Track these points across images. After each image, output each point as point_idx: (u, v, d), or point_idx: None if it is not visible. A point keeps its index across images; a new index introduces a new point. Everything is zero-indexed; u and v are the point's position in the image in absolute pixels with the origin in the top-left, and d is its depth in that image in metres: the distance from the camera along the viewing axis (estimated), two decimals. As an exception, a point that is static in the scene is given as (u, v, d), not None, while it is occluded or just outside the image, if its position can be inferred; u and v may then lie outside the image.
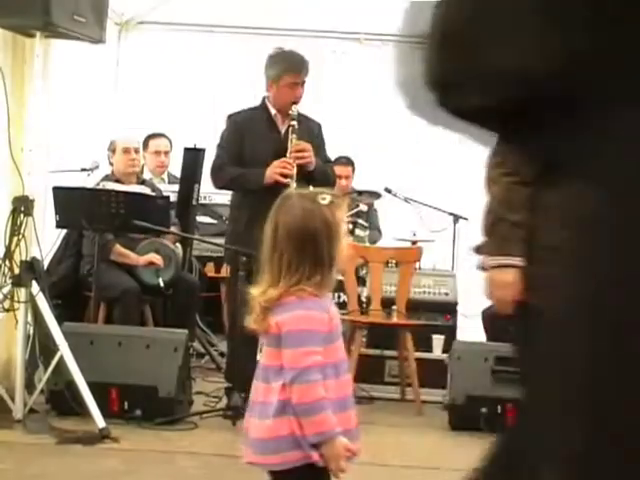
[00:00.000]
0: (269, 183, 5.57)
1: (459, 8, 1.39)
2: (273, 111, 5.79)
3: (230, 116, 5.88)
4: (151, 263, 6.51)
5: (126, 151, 6.77)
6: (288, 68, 5.68)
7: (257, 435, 2.61)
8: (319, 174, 5.74)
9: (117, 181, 6.64)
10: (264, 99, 5.84)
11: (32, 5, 5.01)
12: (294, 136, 5.63)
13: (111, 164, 6.84)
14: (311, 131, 5.85)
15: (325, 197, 2.66)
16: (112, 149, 6.81)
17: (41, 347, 5.33)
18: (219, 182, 5.88)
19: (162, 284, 6.47)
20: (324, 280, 2.63)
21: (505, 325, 7.23)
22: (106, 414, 5.07)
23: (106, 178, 6.75)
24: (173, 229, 6.60)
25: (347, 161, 8.44)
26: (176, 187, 7.30)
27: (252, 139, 5.76)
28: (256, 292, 2.64)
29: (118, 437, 4.99)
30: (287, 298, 2.60)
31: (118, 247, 6.50)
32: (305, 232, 2.61)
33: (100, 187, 6.52)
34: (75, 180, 7.00)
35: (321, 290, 2.63)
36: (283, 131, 5.76)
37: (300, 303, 2.60)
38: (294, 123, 5.65)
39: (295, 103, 5.67)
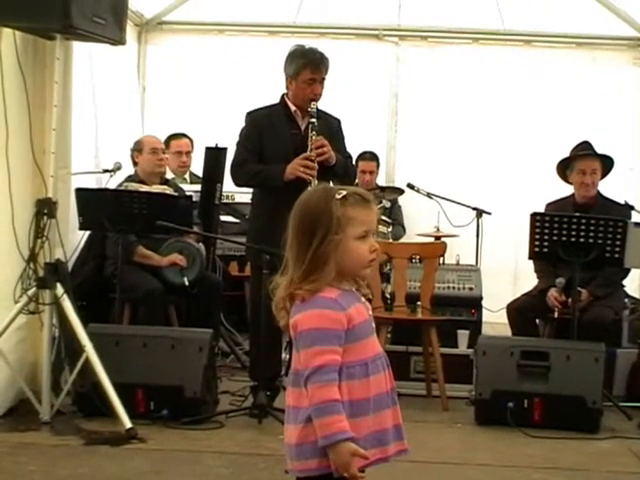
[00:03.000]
0: (290, 179, 5.57)
1: None
2: (293, 107, 5.75)
3: (249, 113, 5.84)
4: (174, 264, 6.52)
5: (154, 151, 6.77)
6: (307, 64, 5.65)
7: (288, 440, 2.49)
8: (340, 169, 5.73)
9: (141, 182, 6.64)
10: (283, 96, 5.81)
11: (52, 8, 5.01)
12: (314, 134, 5.60)
13: (135, 164, 6.83)
14: (331, 127, 5.82)
15: (342, 192, 2.44)
16: (138, 149, 6.79)
17: (67, 349, 5.35)
18: (239, 180, 5.85)
19: (187, 283, 6.49)
20: (319, 277, 2.42)
21: (530, 319, 7.15)
22: (132, 415, 5.08)
23: (129, 179, 6.74)
24: (195, 229, 6.59)
25: (372, 156, 8.43)
26: (198, 187, 7.31)
27: (271, 136, 5.74)
28: (278, 288, 2.48)
29: (145, 437, 5.01)
30: (299, 296, 2.43)
31: (141, 249, 6.51)
32: (304, 222, 2.44)
33: (122, 188, 6.52)
34: (98, 182, 7.01)
35: (318, 287, 2.42)
36: (303, 127, 5.73)
37: (312, 301, 2.42)
38: (314, 120, 5.62)
39: (314, 100, 5.64)
